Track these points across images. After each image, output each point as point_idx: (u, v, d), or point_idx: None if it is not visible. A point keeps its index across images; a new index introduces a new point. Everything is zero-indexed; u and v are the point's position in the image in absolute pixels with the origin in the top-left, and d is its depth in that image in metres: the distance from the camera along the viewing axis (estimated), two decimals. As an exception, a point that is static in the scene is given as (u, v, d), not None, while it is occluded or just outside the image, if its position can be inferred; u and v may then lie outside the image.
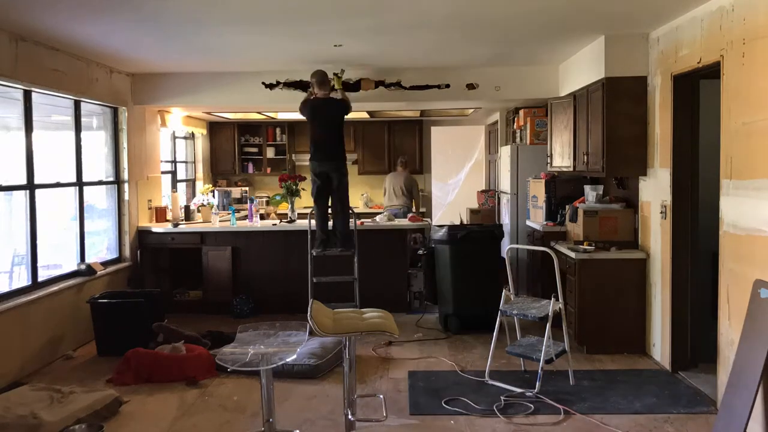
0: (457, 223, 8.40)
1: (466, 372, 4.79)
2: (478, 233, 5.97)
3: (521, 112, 7.43)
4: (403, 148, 9.88)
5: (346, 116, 6.00)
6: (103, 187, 6.35)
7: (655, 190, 4.92)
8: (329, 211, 6.05)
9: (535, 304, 4.68)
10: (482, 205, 8.72)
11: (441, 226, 6.15)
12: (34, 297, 4.90)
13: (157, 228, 6.75)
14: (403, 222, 7.03)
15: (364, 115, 9.33)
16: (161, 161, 7.49)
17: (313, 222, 6.07)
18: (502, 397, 4.22)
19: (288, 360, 3.35)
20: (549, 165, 6.67)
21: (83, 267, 5.68)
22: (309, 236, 6.11)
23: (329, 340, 4.78)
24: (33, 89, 5.04)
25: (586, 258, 5.14)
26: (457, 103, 7.34)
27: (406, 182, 8.72)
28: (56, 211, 5.63)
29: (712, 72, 4.09)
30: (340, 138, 5.95)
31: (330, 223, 6.07)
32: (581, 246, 5.30)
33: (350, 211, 6.06)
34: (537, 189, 6.67)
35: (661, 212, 4.78)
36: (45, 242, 5.27)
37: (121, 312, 5.31)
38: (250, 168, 9.97)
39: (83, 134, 5.85)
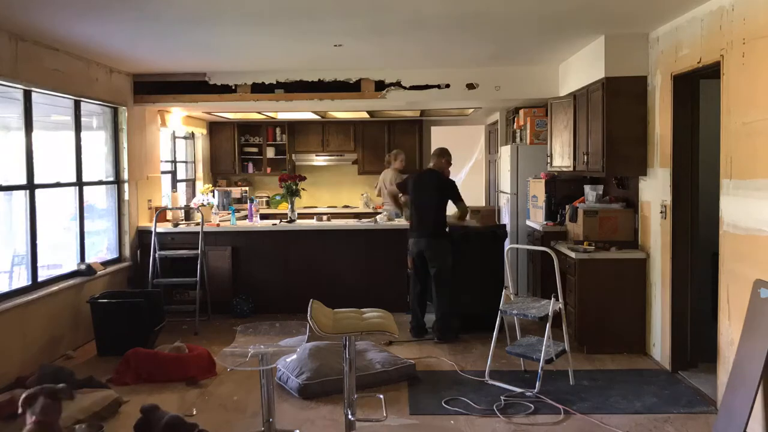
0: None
1: (466, 372, 4.79)
2: (479, 233, 5.96)
3: (521, 112, 7.43)
4: (403, 148, 9.85)
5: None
6: (103, 187, 6.35)
7: (655, 190, 4.92)
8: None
9: (535, 304, 4.68)
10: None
11: None
12: (34, 297, 4.90)
13: (157, 228, 6.74)
14: (404, 222, 7.02)
15: (364, 115, 9.33)
16: (161, 161, 7.49)
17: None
18: (502, 397, 4.22)
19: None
20: (549, 165, 6.66)
21: (83, 267, 5.68)
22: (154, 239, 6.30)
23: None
24: (33, 89, 5.04)
25: (586, 258, 5.14)
26: (457, 103, 7.33)
27: (394, 180, 8.53)
28: (56, 211, 5.63)
29: (712, 72, 4.09)
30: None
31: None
32: (581, 246, 5.30)
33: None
34: (537, 189, 6.67)
35: (661, 212, 4.78)
36: (45, 242, 5.26)
37: (121, 312, 5.31)
38: (250, 168, 9.97)
39: (83, 134, 5.84)
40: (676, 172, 4.60)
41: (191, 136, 9.17)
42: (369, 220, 7.09)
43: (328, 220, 7.25)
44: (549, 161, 6.67)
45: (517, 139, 7.65)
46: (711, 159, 4.19)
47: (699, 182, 4.59)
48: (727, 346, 3.83)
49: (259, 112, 8.68)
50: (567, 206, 5.92)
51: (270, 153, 9.95)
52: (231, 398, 4.36)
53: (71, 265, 5.69)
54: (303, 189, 7.24)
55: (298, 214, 7.23)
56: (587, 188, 6.03)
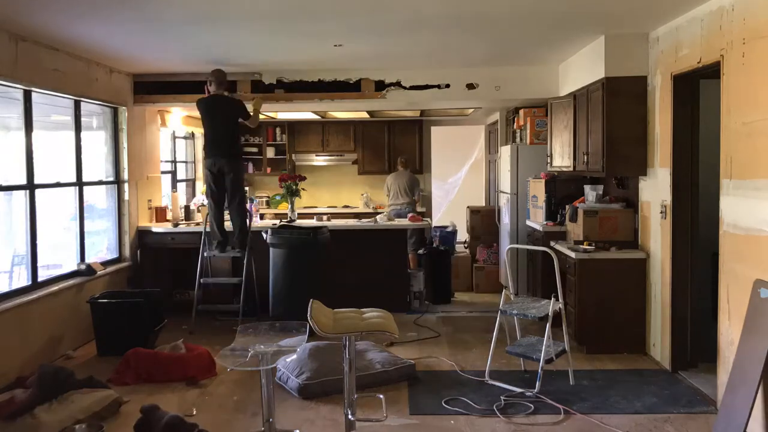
0: (448, 223, 8.44)
1: (466, 372, 4.79)
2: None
3: (521, 112, 7.43)
4: (403, 147, 9.88)
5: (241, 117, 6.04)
6: (103, 187, 6.35)
7: (655, 190, 4.92)
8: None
9: (535, 304, 4.68)
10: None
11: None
12: (34, 297, 4.90)
13: (157, 228, 6.74)
14: (403, 222, 7.03)
15: (364, 115, 9.33)
16: (161, 161, 7.49)
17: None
18: (502, 397, 4.22)
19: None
20: (549, 165, 6.67)
21: (83, 267, 5.68)
22: (204, 237, 6.27)
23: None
24: (33, 89, 5.04)
25: (586, 258, 5.14)
26: (457, 103, 7.33)
27: (409, 181, 8.77)
28: (56, 211, 5.63)
29: (712, 72, 4.09)
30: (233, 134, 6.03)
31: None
32: (581, 246, 5.30)
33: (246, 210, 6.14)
34: (537, 189, 6.67)
35: (661, 212, 4.78)
36: (45, 242, 5.26)
37: (121, 312, 5.31)
38: (250, 168, 9.97)
39: (83, 134, 5.84)
40: (676, 172, 4.60)
41: (191, 136, 9.16)
42: (369, 220, 7.09)
43: (328, 220, 7.25)
44: (549, 161, 6.67)
45: (517, 139, 7.65)
46: (711, 159, 4.19)
47: (699, 182, 4.59)
48: (727, 346, 3.82)
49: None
50: (567, 206, 5.92)
51: (270, 153, 9.96)
52: (231, 398, 4.36)
53: (71, 265, 5.69)
54: (303, 189, 7.24)
55: (298, 214, 7.22)
56: (587, 188, 6.03)
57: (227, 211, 6.11)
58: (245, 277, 6.15)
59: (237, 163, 6.05)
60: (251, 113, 6.15)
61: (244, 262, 6.14)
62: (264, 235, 6.03)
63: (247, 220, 6.15)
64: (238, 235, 6.08)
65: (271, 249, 5.95)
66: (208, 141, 6.03)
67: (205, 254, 6.28)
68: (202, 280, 6.26)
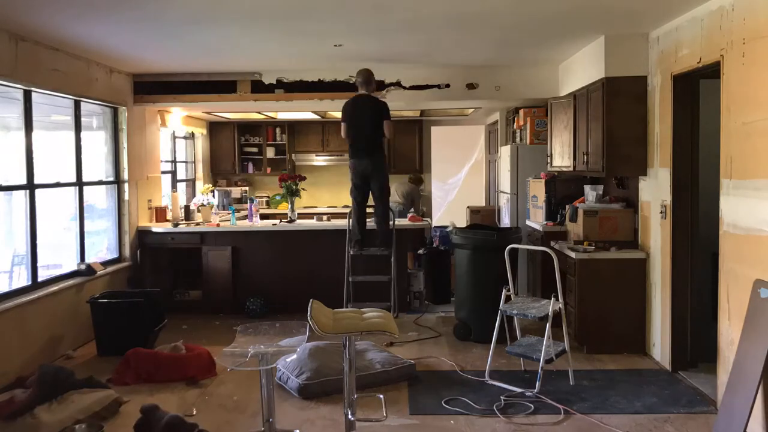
0: (448, 223, 8.43)
1: (466, 372, 4.79)
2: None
3: (521, 112, 7.43)
4: (403, 147, 9.88)
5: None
6: (103, 187, 6.35)
7: (655, 190, 4.92)
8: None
9: (535, 304, 4.68)
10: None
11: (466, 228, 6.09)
12: (34, 297, 4.90)
13: (157, 228, 6.75)
14: (403, 222, 7.03)
15: (364, 115, 9.32)
16: (161, 161, 7.49)
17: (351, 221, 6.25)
18: (502, 397, 4.22)
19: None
20: (549, 165, 6.66)
21: (83, 267, 5.68)
22: (347, 235, 6.34)
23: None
24: (33, 89, 5.04)
25: (586, 258, 5.14)
26: (457, 103, 7.33)
27: (409, 190, 9.09)
28: (56, 211, 5.63)
29: (712, 72, 4.09)
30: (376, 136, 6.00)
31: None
32: (581, 246, 5.30)
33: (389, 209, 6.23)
34: (537, 189, 6.67)
35: (661, 212, 4.78)
36: (45, 242, 5.26)
37: (121, 312, 5.31)
38: (250, 168, 9.97)
39: (83, 134, 5.85)
40: (676, 172, 4.60)
41: (191, 136, 9.17)
42: (369, 220, 7.08)
43: (328, 220, 7.25)
44: (549, 161, 6.67)
45: (517, 139, 7.65)
46: (711, 159, 4.19)
47: (699, 182, 4.59)
48: (727, 346, 3.82)
49: (259, 112, 8.69)
50: (567, 206, 5.92)
51: (270, 153, 9.96)
52: (231, 398, 4.36)
53: (71, 265, 5.69)
54: (303, 189, 7.24)
55: (298, 214, 7.22)
56: (587, 188, 6.03)
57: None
58: (394, 275, 6.25)
59: (381, 163, 6.08)
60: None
61: (392, 260, 6.22)
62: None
63: (390, 220, 6.26)
64: (382, 233, 6.17)
65: (456, 250, 5.86)
66: (352, 141, 6.06)
67: (351, 252, 6.32)
68: (351, 278, 6.33)
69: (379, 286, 6.41)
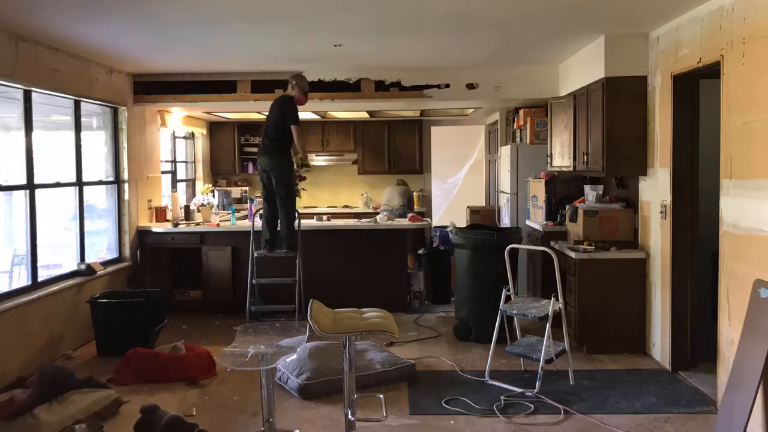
0: (448, 223, 8.43)
1: (466, 372, 4.79)
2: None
3: (521, 112, 7.43)
4: (403, 147, 9.89)
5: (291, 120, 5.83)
6: (103, 187, 6.35)
7: (655, 190, 4.92)
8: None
9: (535, 304, 4.68)
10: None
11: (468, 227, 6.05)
12: (34, 297, 4.90)
13: (157, 228, 6.75)
14: (404, 222, 7.03)
15: (364, 115, 9.33)
16: (161, 161, 7.49)
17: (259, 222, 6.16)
18: (502, 397, 4.22)
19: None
20: (549, 165, 6.67)
21: (83, 267, 5.68)
22: (252, 237, 6.20)
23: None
24: (33, 89, 5.04)
25: (586, 258, 5.14)
26: (457, 103, 7.33)
27: (403, 192, 9.00)
28: (56, 211, 5.63)
29: (712, 72, 4.09)
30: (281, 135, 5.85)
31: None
32: (581, 246, 5.30)
33: (294, 211, 6.05)
34: (537, 189, 6.67)
35: (661, 212, 4.78)
36: (45, 242, 5.26)
37: (121, 312, 5.31)
38: (250, 168, 9.97)
39: (83, 134, 5.85)
40: (676, 172, 4.60)
41: (191, 136, 9.17)
42: (369, 220, 7.09)
43: (328, 220, 7.25)
44: (549, 161, 6.67)
45: (517, 139, 7.65)
46: (711, 159, 4.19)
47: (699, 182, 4.59)
48: (727, 346, 3.82)
49: (259, 112, 8.68)
50: (567, 206, 5.92)
51: (270, 153, 9.94)
52: (231, 398, 4.36)
53: (71, 265, 5.69)
54: (303, 189, 7.23)
55: (298, 214, 7.21)
56: (587, 188, 6.03)
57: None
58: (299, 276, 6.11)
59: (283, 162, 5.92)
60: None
61: (297, 262, 6.11)
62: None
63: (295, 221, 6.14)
64: (287, 236, 6.02)
65: (456, 250, 5.82)
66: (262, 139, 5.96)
67: (256, 254, 6.16)
68: (254, 281, 6.16)
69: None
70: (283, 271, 6.19)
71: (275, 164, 5.86)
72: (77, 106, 5.77)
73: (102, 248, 6.35)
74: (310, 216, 7.75)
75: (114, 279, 6.18)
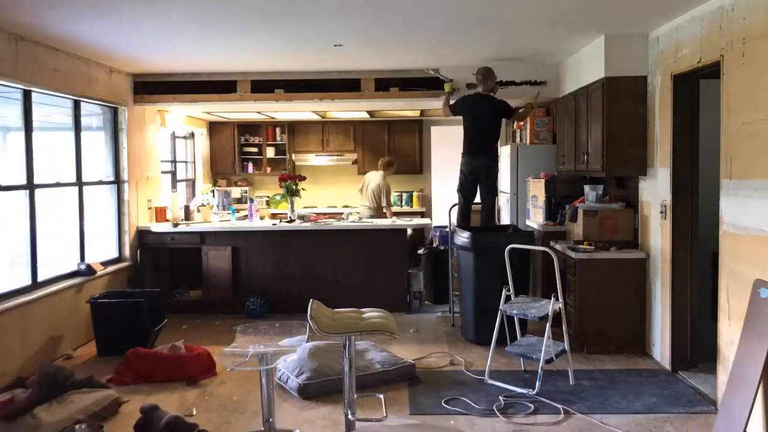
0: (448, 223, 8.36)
1: (466, 372, 4.78)
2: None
3: (521, 112, 7.42)
4: (403, 147, 9.88)
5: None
6: (103, 187, 6.35)
7: (655, 189, 4.92)
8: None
9: (535, 304, 4.68)
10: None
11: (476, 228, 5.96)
12: (33, 297, 4.90)
13: (157, 228, 6.75)
14: (403, 222, 7.03)
15: (364, 115, 9.32)
16: (161, 161, 7.49)
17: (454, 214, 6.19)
18: (501, 397, 4.22)
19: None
20: (562, 165, 6.57)
21: (83, 267, 5.68)
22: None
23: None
24: (33, 89, 5.04)
25: (586, 258, 5.14)
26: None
27: (378, 187, 8.07)
28: (56, 211, 5.62)
29: (712, 72, 4.09)
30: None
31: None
32: (581, 246, 5.30)
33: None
34: (537, 189, 6.66)
35: (661, 212, 4.78)
36: (45, 242, 5.26)
37: (121, 312, 5.31)
38: (250, 168, 9.97)
39: (83, 134, 5.84)
40: (676, 172, 4.60)
41: (191, 136, 9.17)
42: (368, 220, 7.07)
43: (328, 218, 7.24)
44: (562, 161, 6.58)
45: (517, 139, 7.64)
46: (711, 159, 4.19)
47: (699, 182, 4.59)
48: (727, 346, 3.82)
49: (259, 112, 8.68)
50: (567, 206, 5.92)
51: (270, 153, 9.95)
52: (231, 398, 4.36)
53: (71, 265, 5.68)
54: (303, 189, 7.24)
55: (298, 214, 7.22)
56: (587, 188, 6.02)
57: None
58: None
59: (494, 164, 6.03)
60: (521, 108, 6.08)
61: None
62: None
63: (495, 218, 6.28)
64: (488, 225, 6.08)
65: (457, 250, 5.83)
66: (468, 140, 5.99)
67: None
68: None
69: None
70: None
71: (489, 166, 5.94)
72: (77, 106, 5.77)
73: (102, 248, 6.33)
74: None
75: (114, 279, 6.18)
